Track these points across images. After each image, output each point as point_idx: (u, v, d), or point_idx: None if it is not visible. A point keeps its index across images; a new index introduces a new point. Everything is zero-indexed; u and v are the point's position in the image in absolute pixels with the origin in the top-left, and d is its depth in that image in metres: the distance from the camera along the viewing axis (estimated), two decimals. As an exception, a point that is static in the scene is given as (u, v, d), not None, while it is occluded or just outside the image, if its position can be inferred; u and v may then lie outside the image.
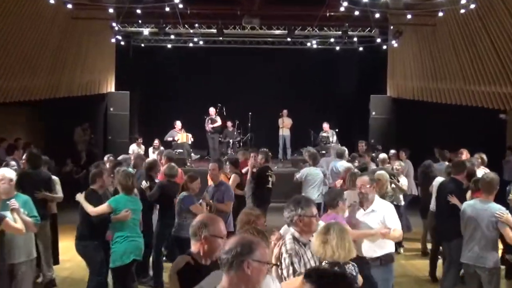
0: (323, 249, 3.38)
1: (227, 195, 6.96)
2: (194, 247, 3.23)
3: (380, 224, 4.91)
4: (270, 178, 8.75)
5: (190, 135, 15.07)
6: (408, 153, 10.96)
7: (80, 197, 5.79)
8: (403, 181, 8.91)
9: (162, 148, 13.71)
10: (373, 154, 10.80)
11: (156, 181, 7.49)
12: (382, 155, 9.60)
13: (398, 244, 9.02)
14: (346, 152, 10.04)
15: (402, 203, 8.92)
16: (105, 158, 9.01)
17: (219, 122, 15.48)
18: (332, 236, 3.37)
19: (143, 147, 13.82)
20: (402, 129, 15.01)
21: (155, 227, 7.16)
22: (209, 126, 15.33)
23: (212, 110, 15.45)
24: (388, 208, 5.02)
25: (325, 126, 14.74)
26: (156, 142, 13.87)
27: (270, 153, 13.76)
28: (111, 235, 5.72)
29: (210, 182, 7.85)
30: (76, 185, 11.16)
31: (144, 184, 7.26)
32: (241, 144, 15.56)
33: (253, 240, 2.45)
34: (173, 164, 7.52)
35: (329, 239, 3.37)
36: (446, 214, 6.44)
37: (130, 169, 7.15)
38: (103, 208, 5.64)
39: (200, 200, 6.77)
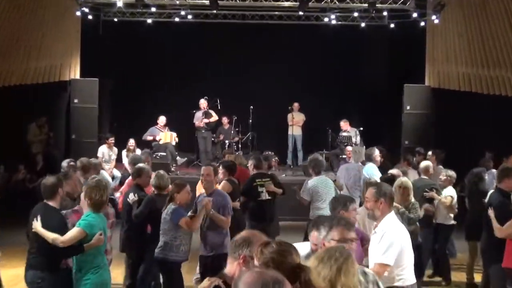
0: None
1: (225, 208, 6.90)
2: (230, 267, 3.27)
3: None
4: (260, 188, 8.70)
5: (175, 134, 15.04)
6: (441, 157, 10.84)
7: (37, 226, 5.54)
8: (449, 192, 8.76)
9: (139, 150, 13.71)
10: (415, 159, 10.76)
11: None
12: (425, 164, 9.30)
13: (443, 275, 9.01)
14: (376, 152, 9.92)
15: (451, 221, 8.84)
16: (64, 164, 8.89)
17: (215, 117, 15.42)
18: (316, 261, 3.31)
19: (115, 149, 13.77)
20: (444, 127, 14.98)
21: (146, 252, 7.15)
22: (203, 122, 15.26)
23: (203, 103, 15.39)
24: (386, 232, 4.85)
25: (343, 124, 14.71)
26: (131, 142, 13.80)
27: (276, 158, 13.77)
28: (76, 264, 5.62)
29: (199, 191, 7.80)
30: (30, 196, 11.11)
31: (132, 197, 7.22)
32: (240, 145, 15.51)
33: (278, 278, 2.34)
34: (162, 172, 7.50)
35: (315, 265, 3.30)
36: (487, 234, 6.55)
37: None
38: (74, 235, 5.44)
39: (189, 212, 6.77)
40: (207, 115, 15.32)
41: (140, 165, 7.91)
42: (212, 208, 6.79)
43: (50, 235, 5.45)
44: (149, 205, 7.05)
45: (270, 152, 15.31)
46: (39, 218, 5.54)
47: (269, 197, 8.71)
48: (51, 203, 5.68)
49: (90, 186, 5.62)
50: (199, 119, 15.31)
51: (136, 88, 17.25)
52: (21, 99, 14.17)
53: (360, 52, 17.35)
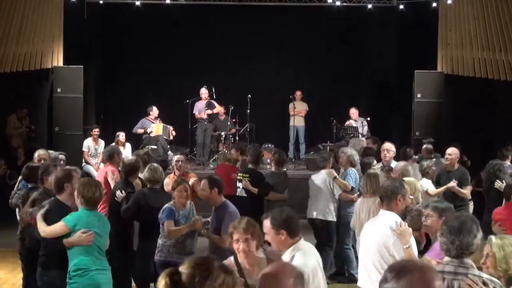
0: None
1: (222, 225, 6.36)
2: None
3: None
4: (239, 183, 8.74)
5: (171, 128, 15.02)
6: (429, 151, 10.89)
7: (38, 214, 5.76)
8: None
9: (128, 144, 13.72)
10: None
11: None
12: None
13: None
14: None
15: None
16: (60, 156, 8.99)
17: (218, 107, 15.34)
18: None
19: (101, 142, 13.79)
20: (458, 117, 14.93)
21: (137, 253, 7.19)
22: (206, 112, 15.17)
23: (204, 92, 15.22)
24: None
25: (353, 112, 14.74)
26: (122, 135, 13.77)
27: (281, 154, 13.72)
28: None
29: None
30: (11, 193, 11.11)
31: (119, 194, 7.23)
32: (237, 138, 15.50)
33: None
34: (156, 164, 7.50)
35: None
36: None
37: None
38: (56, 228, 5.58)
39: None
40: (210, 105, 15.23)
41: (130, 159, 7.88)
42: (214, 223, 6.52)
43: (40, 224, 5.67)
44: (137, 201, 7.02)
45: (269, 145, 15.36)
46: (44, 208, 5.78)
47: (245, 195, 8.68)
48: (59, 197, 5.89)
49: (81, 183, 5.78)
50: (202, 110, 15.21)
51: (124, 77, 17.23)
52: (-1, 88, 14.09)
53: (366, 35, 17.27)
